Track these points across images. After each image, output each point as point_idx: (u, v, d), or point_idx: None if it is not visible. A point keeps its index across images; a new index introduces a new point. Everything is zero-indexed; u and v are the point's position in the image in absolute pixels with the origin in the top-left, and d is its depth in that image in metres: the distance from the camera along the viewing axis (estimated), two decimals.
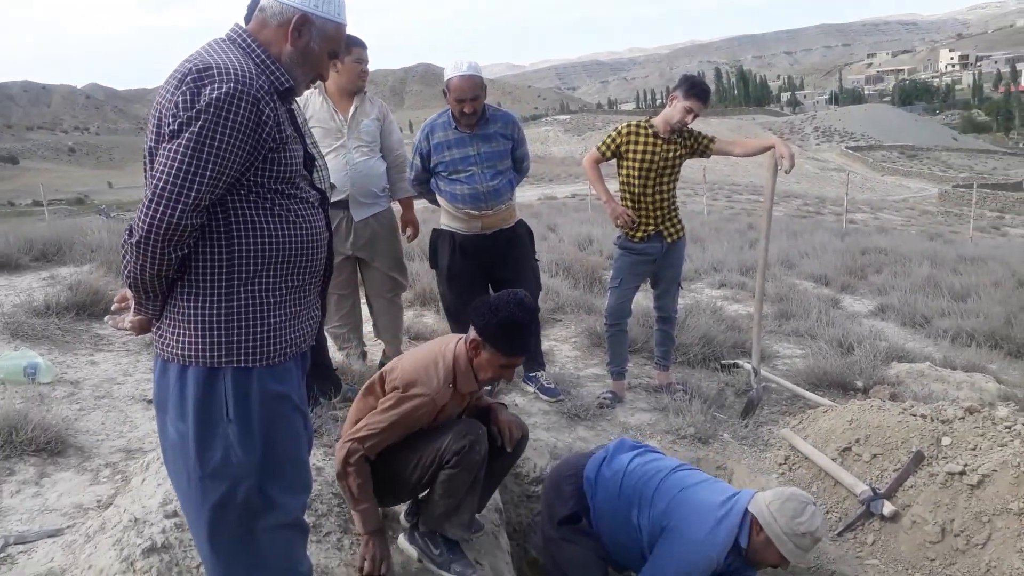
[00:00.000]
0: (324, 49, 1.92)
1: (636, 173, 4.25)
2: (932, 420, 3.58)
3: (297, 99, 3.84)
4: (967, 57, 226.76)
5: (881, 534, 3.28)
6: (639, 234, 4.33)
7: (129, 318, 1.91)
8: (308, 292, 1.99)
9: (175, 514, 2.45)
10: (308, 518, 2.44)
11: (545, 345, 5.06)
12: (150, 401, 3.57)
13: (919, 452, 3.39)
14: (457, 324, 4.22)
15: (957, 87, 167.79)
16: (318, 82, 4.00)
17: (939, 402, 3.97)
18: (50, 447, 3.19)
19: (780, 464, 3.90)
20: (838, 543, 3.33)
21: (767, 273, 4.49)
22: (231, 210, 1.79)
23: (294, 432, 1.96)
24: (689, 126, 4.25)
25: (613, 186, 4.44)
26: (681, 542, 2.57)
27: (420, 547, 2.69)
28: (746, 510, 2.57)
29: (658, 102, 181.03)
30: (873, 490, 3.36)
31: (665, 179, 4.29)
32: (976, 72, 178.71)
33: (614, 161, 4.37)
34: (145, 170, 1.79)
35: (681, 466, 2.85)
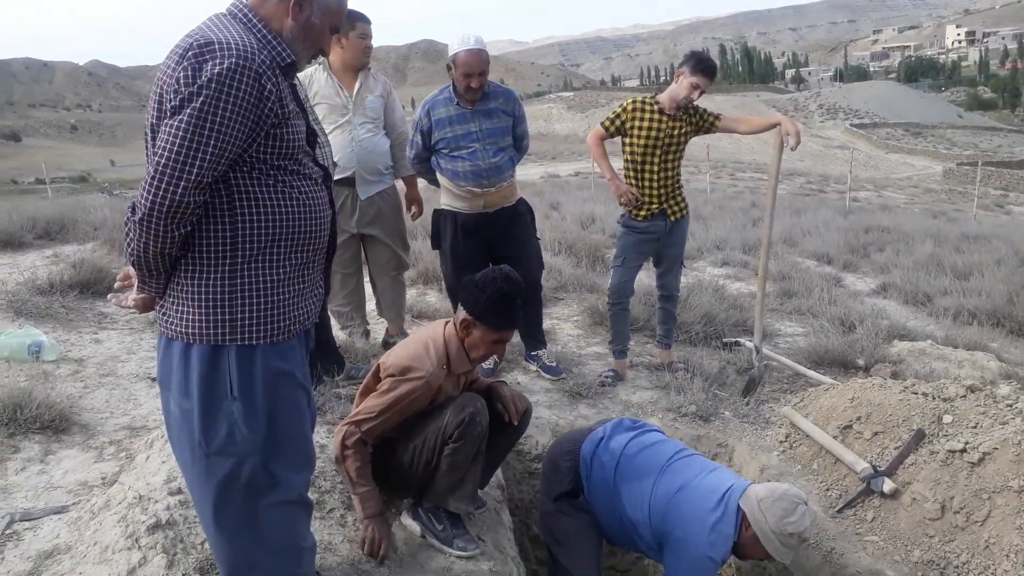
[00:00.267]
0: (325, 23, 1.90)
1: (640, 150, 4.21)
2: (933, 398, 3.58)
3: (302, 75, 3.83)
4: (974, 33, 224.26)
5: (881, 511, 3.29)
6: (643, 213, 4.29)
7: (133, 296, 1.90)
8: (312, 269, 1.99)
9: (179, 491, 2.47)
10: (312, 495, 2.46)
11: (547, 324, 5.06)
12: (154, 379, 3.59)
13: (920, 430, 3.39)
14: None
15: (963, 64, 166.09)
16: (322, 58, 4.00)
17: (940, 380, 3.96)
18: (55, 425, 3.22)
19: (781, 442, 3.91)
20: (838, 520, 3.35)
21: (770, 251, 4.47)
22: (234, 187, 1.78)
23: (297, 409, 1.97)
24: (695, 103, 4.21)
25: (617, 164, 4.41)
26: (686, 552, 2.61)
27: (423, 523, 2.71)
28: (739, 505, 2.59)
29: (662, 79, 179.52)
30: (874, 468, 3.37)
31: (670, 156, 4.25)
32: (983, 48, 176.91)
33: (618, 139, 4.33)
34: (147, 147, 1.78)
35: (677, 454, 2.86)
